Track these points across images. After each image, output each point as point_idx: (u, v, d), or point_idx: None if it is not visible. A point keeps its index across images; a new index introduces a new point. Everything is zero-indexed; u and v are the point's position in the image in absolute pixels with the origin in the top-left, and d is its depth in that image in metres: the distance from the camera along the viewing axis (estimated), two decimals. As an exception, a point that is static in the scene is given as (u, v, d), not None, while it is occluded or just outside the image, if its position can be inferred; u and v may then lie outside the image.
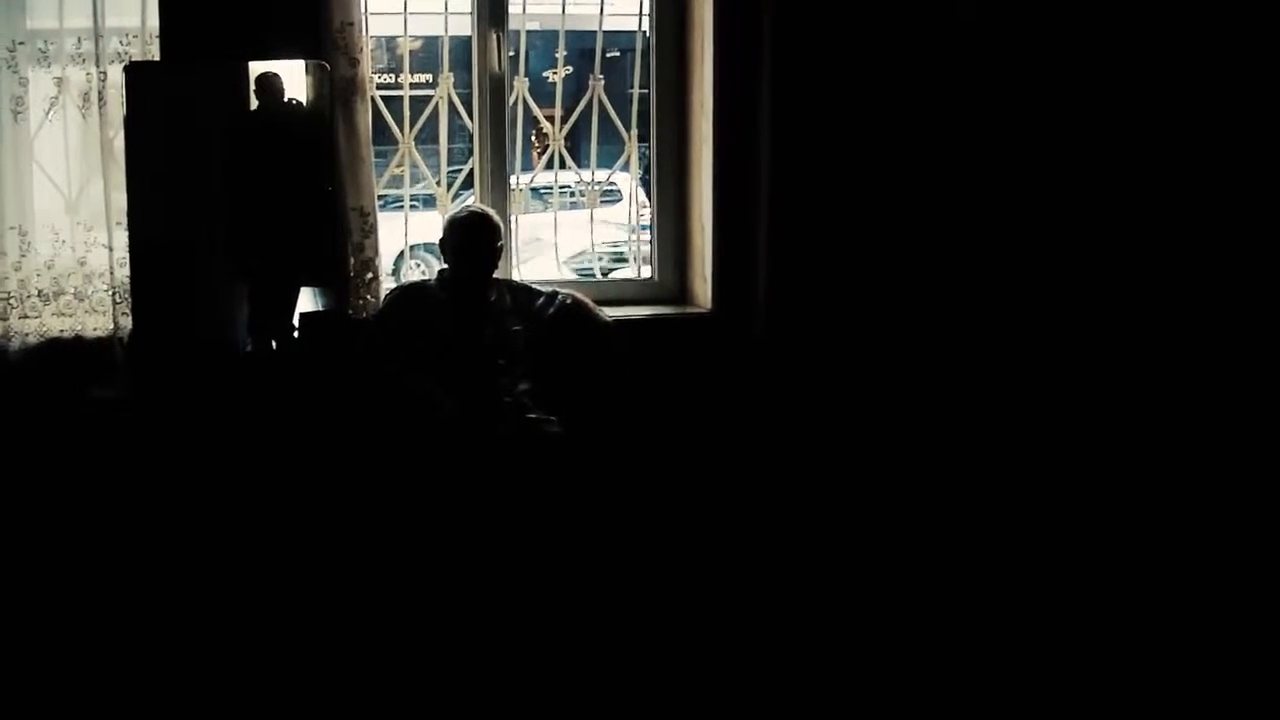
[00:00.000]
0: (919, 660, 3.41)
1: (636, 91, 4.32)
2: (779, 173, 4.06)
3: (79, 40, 3.75)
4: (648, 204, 5.67)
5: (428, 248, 5.07)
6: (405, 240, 4.36)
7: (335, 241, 3.82)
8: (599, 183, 4.48)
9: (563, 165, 4.32)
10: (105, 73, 3.72)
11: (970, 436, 4.13)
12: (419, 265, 6.05)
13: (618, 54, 4.24)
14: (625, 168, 4.41)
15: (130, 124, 3.68)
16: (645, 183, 4.47)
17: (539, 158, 4.55)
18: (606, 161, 4.36)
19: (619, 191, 6.89)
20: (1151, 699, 3.18)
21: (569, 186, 4.82)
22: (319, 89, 3.75)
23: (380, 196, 3.95)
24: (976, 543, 4.01)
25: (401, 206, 4.32)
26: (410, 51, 4.22)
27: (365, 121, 3.81)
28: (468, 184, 4.25)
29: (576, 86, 4.28)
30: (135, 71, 3.69)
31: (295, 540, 3.56)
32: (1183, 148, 4.14)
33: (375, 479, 3.53)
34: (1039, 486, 4.10)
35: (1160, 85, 4.12)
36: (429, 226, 4.15)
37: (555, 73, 4.32)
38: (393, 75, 4.56)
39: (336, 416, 3.59)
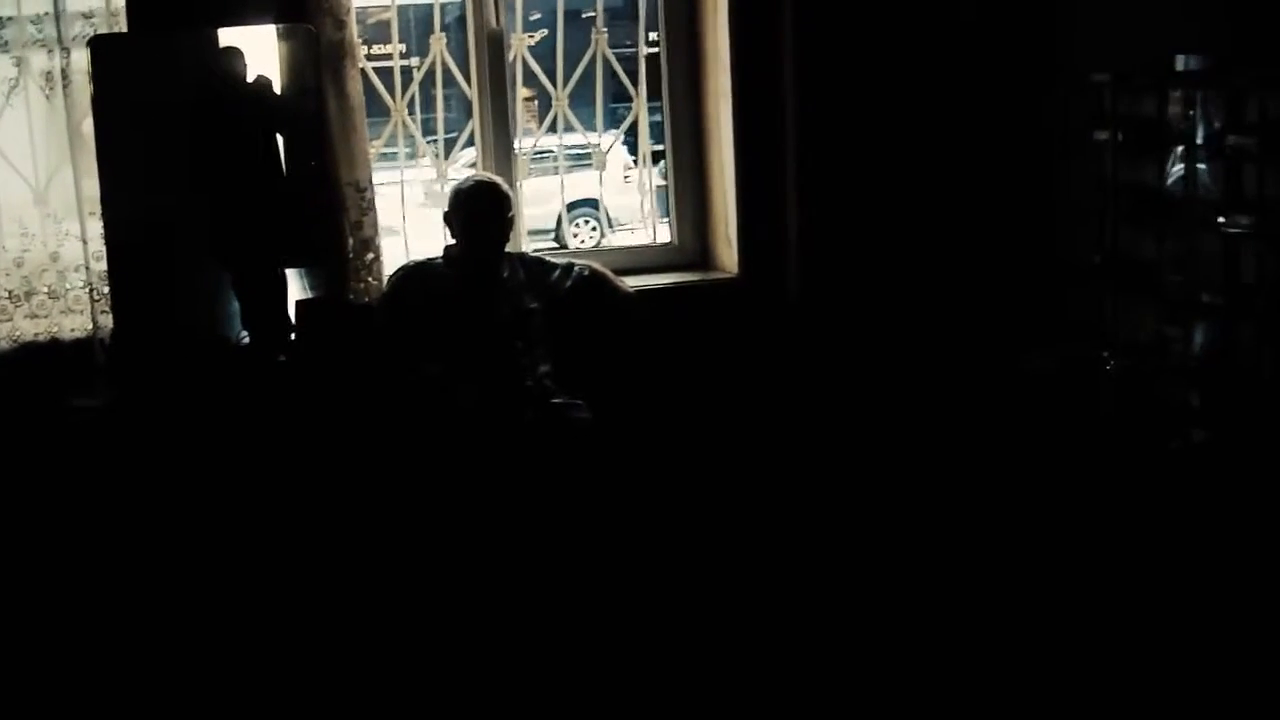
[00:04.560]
0: (967, 646, 3.16)
1: (644, 44, 4.01)
2: (806, 125, 3.79)
3: (39, 22, 3.44)
4: (633, 165, 5.39)
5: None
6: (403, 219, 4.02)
7: (327, 221, 3.51)
8: (587, 145, 4.18)
9: (565, 128, 4.02)
10: (69, 50, 3.41)
11: (1022, 406, 3.84)
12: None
13: (593, 14, 3.95)
14: (614, 127, 4.10)
15: (99, 103, 3.38)
16: (629, 144, 4.19)
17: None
18: (591, 123, 4.05)
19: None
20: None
21: (551, 151, 4.53)
22: (303, 55, 3.43)
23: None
24: (1029, 524, 3.72)
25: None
26: (383, 22, 3.93)
27: (357, 88, 3.51)
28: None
29: (571, 45, 3.97)
30: (101, 45, 3.38)
31: (310, 547, 3.28)
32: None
33: (392, 478, 3.25)
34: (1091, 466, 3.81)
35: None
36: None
37: (532, 36, 3.99)
38: (367, 47, 4.26)
39: (345, 412, 3.29)
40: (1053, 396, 3.79)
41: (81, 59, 3.39)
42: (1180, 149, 3.23)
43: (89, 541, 3.35)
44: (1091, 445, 3.61)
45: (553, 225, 6.57)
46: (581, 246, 5.13)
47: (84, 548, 3.35)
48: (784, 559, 3.56)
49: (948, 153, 3.85)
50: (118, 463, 3.29)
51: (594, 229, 7.06)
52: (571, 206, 6.93)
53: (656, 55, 4.01)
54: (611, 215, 6.76)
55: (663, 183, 4.31)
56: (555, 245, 6.62)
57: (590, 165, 4.19)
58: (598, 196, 4.60)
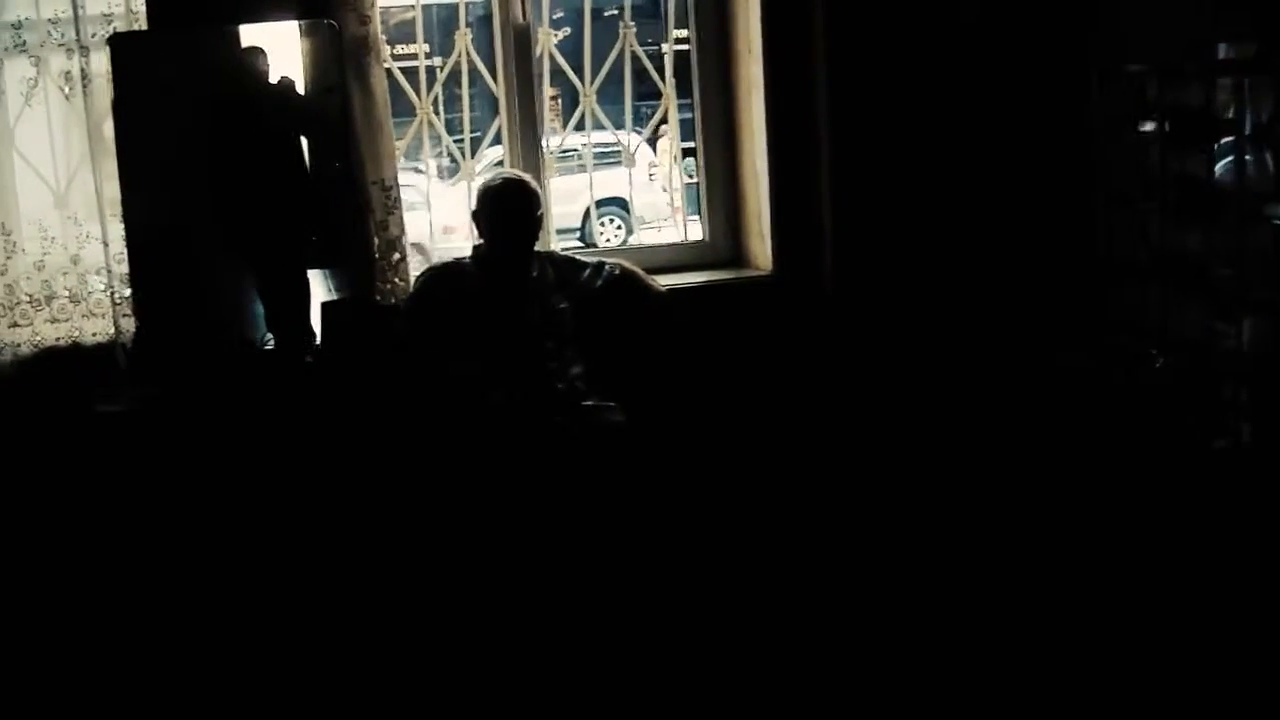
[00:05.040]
0: (1008, 645, 3.08)
1: (671, 40, 3.92)
2: (840, 116, 3.70)
3: (58, 22, 3.37)
4: (656, 162, 5.30)
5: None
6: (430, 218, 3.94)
7: (352, 221, 3.43)
8: (611, 144, 4.09)
9: (586, 126, 3.93)
10: (88, 50, 3.33)
11: (1059, 403, 3.74)
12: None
13: (614, 12, 3.87)
14: (639, 124, 4.03)
15: (119, 103, 3.30)
16: (651, 141, 4.10)
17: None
18: (614, 120, 3.98)
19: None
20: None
21: (575, 150, 4.45)
22: (326, 51, 3.36)
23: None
24: (1065, 522, 3.63)
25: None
26: (407, 21, 3.84)
27: (381, 85, 3.42)
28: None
29: (594, 43, 3.89)
30: (121, 43, 3.31)
31: (337, 553, 3.23)
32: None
33: (420, 482, 3.18)
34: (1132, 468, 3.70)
35: None
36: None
37: (557, 33, 3.90)
38: (391, 47, 4.19)
39: (371, 417, 3.22)
40: (1091, 393, 3.69)
41: (101, 60, 3.32)
42: (1228, 139, 3.13)
43: (113, 547, 3.30)
44: (1131, 443, 3.52)
45: (576, 224, 6.49)
46: (608, 245, 5.05)
47: (108, 554, 3.30)
48: (822, 563, 3.46)
49: (984, 144, 3.74)
50: (141, 468, 3.22)
51: (619, 227, 6.99)
52: (595, 205, 6.89)
53: (684, 51, 3.93)
54: (635, 214, 6.69)
55: (690, 180, 4.23)
56: (581, 244, 6.55)
57: (614, 163, 4.11)
58: (622, 195, 4.52)
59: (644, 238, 4.58)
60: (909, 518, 3.61)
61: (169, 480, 3.21)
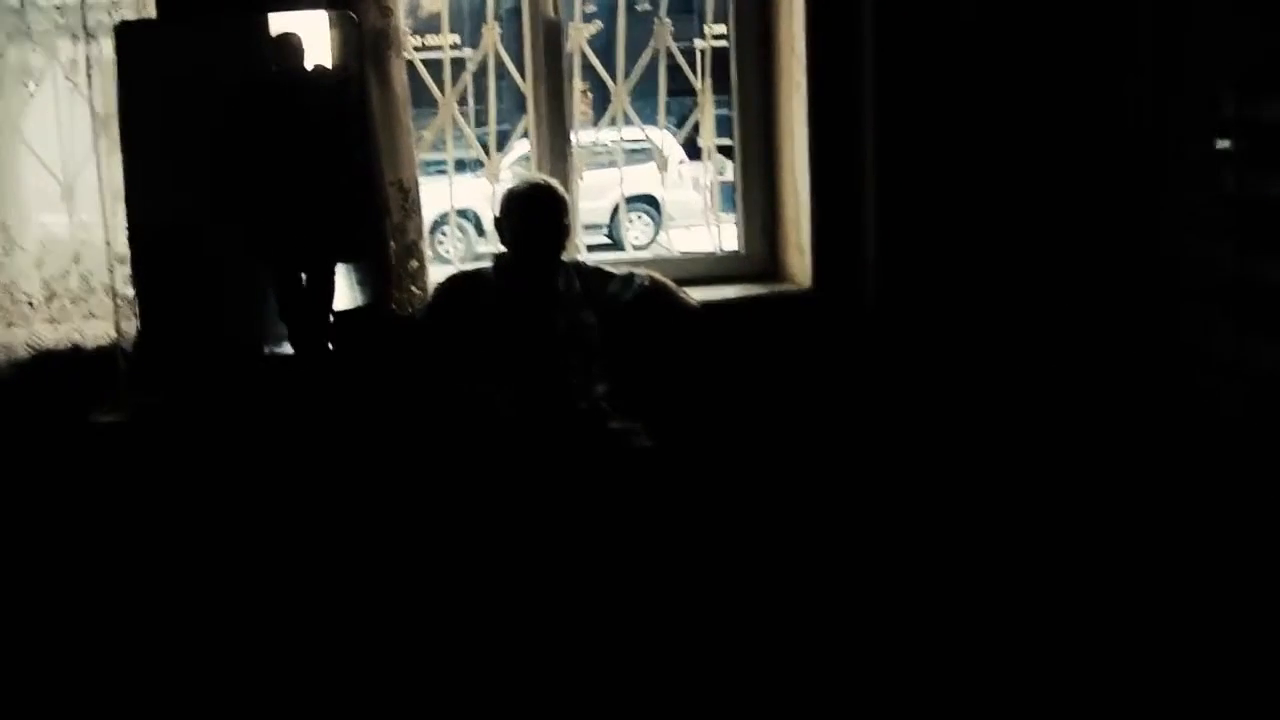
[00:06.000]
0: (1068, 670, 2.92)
1: (709, 35, 3.72)
2: (887, 121, 3.49)
3: (63, 8, 3.21)
4: (685, 160, 5.18)
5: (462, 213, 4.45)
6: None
7: (370, 224, 3.23)
8: (639, 141, 3.93)
9: (618, 123, 3.73)
10: (94, 36, 3.15)
11: (1122, 432, 3.53)
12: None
13: (647, 8, 3.68)
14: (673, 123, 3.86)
15: (125, 94, 3.11)
16: (690, 145, 3.93)
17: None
18: (644, 118, 3.80)
19: (660, 148, 6.37)
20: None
21: (604, 146, 4.27)
22: (344, 43, 3.16)
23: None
24: (1129, 545, 3.43)
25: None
26: (432, 14, 3.69)
27: (402, 79, 3.23)
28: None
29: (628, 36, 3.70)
30: (128, 32, 3.12)
31: (347, 574, 3.07)
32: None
33: (433, 506, 2.99)
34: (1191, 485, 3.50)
35: None
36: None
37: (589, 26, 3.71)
38: (419, 38, 4.01)
39: (385, 433, 3.05)
40: (1155, 426, 3.49)
41: (109, 48, 3.13)
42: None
43: (110, 567, 3.14)
44: (1195, 474, 3.32)
45: (603, 220, 6.35)
46: (636, 242, 4.87)
47: (105, 573, 3.15)
48: (862, 604, 3.27)
49: (1044, 155, 3.53)
50: (141, 483, 3.08)
51: (647, 224, 6.84)
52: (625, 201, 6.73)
53: (720, 49, 3.73)
54: (665, 212, 6.52)
55: (721, 178, 4.03)
56: (609, 241, 6.35)
57: (641, 161, 3.92)
58: (650, 193, 4.35)
59: (674, 236, 4.41)
60: (955, 555, 3.41)
61: (167, 499, 3.05)
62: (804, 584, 3.28)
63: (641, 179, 4.65)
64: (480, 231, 7.72)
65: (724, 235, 3.87)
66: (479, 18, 3.57)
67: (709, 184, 3.92)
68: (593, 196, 4.10)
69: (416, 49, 3.47)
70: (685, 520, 3.04)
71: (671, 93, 3.74)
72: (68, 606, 3.14)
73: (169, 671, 3.01)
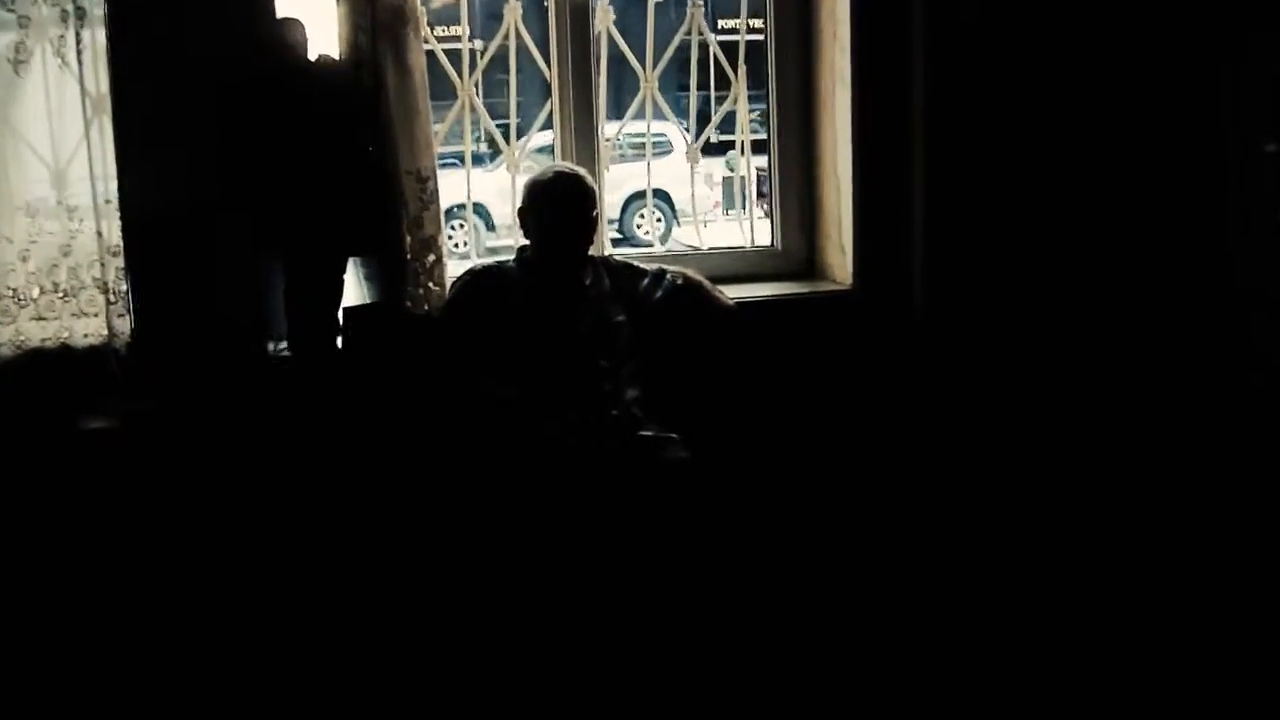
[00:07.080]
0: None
1: (744, 22, 3.51)
2: (937, 114, 3.31)
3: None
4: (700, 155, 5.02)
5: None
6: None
7: (384, 216, 3.02)
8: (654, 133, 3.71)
9: (646, 115, 3.53)
10: (84, 11, 2.95)
11: (1183, 438, 3.33)
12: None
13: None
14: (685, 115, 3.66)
15: (118, 77, 2.93)
16: (695, 133, 3.74)
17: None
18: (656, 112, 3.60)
19: (668, 143, 6.18)
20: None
21: (619, 139, 4.08)
22: (356, 23, 2.95)
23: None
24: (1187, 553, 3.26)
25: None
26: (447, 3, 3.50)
27: (420, 61, 3.02)
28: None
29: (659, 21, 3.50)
30: (122, 9, 2.92)
31: (360, 589, 2.91)
32: None
33: (448, 522, 2.81)
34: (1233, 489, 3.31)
35: None
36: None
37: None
38: (431, 29, 3.83)
39: (398, 439, 2.87)
40: (1215, 437, 3.30)
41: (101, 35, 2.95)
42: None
43: (102, 578, 2.97)
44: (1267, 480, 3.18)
45: (613, 216, 6.25)
46: (647, 238, 4.70)
47: (96, 585, 2.97)
48: (904, 618, 3.07)
49: (1101, 151, 3.37)
50: (134, 492, 2.92)
51: (659, 219, 6.70)
52: (636, 197, 6.56)
53: (753, 40, 3.53)
54: (677, 208, 6.36)
55: (731, 174, 3.84)
56: (619, 236, 6.15)
57: (659, 153, 3.74)
58: (664, 187, 4.16)
59: (686, 232, 4.23)
60: (1011, 568, 3.23)
61: (160, 509, 2.89)
62: (842, 601, 3.11)
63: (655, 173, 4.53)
64: (490, 226, 7.58)
65: (758, 231, 3.68)
66: (496, 6, 3.36)
67: (747, 177, 3.71)
68: (605, 191, 3.94)
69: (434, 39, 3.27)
70: (723, 536, 2.82)
71: (684, 86, 3.54)
72: (60, 621, 2.96)
73: (160, 690, 2.84)
